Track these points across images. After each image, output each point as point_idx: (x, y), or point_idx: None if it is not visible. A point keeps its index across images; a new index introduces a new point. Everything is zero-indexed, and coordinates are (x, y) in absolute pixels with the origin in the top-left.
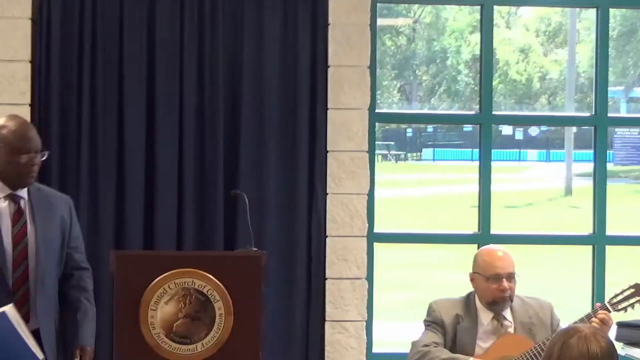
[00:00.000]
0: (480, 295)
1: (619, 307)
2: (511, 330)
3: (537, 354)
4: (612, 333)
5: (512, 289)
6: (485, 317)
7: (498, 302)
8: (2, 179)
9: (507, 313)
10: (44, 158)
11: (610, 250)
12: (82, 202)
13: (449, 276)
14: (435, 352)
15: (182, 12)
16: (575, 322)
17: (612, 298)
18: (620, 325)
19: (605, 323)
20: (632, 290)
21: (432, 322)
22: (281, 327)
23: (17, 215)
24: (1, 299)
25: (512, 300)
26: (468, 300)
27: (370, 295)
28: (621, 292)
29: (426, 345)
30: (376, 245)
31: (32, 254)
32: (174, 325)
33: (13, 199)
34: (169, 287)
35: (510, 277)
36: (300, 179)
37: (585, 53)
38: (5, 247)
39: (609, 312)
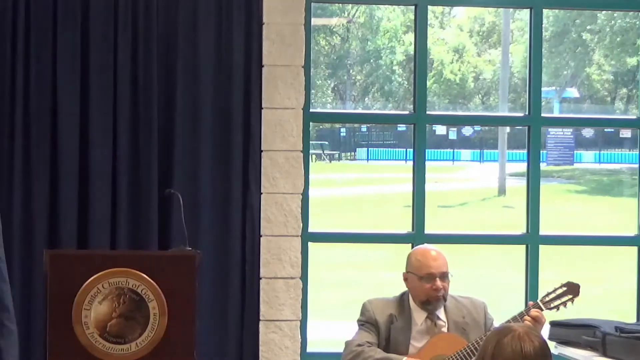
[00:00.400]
0: (413, 295)
1: (552, 305)
2: (445, 329)
3: (470, 353)
4: (545, 332)
5: (446, 289)
6: (418, 316)
7: (432, 301)
8: None
9: (441, 312)
10: None
11: (544, 250)
12: (16, 201)
13: (383, 276)
14: (369, 351)
15: (115, 11)
16: (508, 321)
17: (544, 296)
18: (553, 324)
19: (538, 321)
20: (564, 288)
21: (366, 321)
22: (215, 326)
23: None
24: None
25: (445, 300)
26: (402, 300)
27: (304, 294)
28: (554, 291)
29: (360, 345)
30: (310, 244)
31: None
32: (108, 325)
33: None
34: (102, 286)
35: (444, 276)
36: (235, 179)
37: (519, 53)
38: None
39: (542, 310)
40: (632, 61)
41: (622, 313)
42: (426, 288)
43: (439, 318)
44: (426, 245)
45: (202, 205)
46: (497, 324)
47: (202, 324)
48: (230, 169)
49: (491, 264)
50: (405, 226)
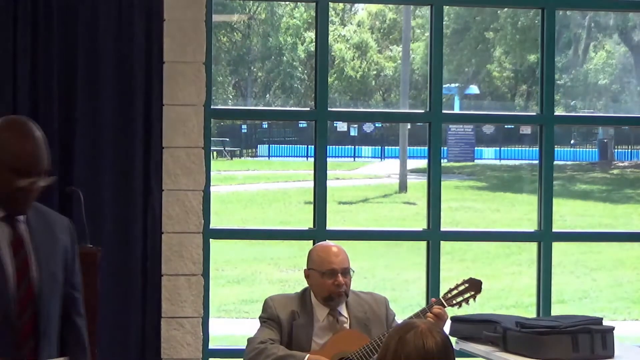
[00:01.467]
0: (315, 291)
1: (454, 302)
2: (347, 325)
3: (373, 350)
4: (447, 328)
5: (348, 284)
6: (320, 313)
7: (334, 297)
8: None
9: (343, 309)
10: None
11: (446, 246)
12: None
13: (285, 272)
14: (272, 348)
15: (15, 4)
16: (411, 318)
17: (446, 293)
18: (455, 319)
19: (440, 318)
20: (466, 285)
21: (268, 318)
22: (117, 323)
23: (17, 244)
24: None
25: (347, 296)
26: (304, 297)
27: (206, 291)
28: (455, 287)
29: (262, 342)
30: (212, 241)
31: (38, 295)
32: None
33: (10, 222)
34: None
35: (346, 272)
36: (136, 175)
37: (420, 50)
38: (8, 284)
39: (444, 307)
40: (532, 58)
41: (522, 308)
42: (328, 284)
43: (340, 314)
44: (327, 242)
45: (103, 202)
46: (399, 319)
47: (103, 321)
48: (131, 165)
49: (392, 261)
50: (306, 222)
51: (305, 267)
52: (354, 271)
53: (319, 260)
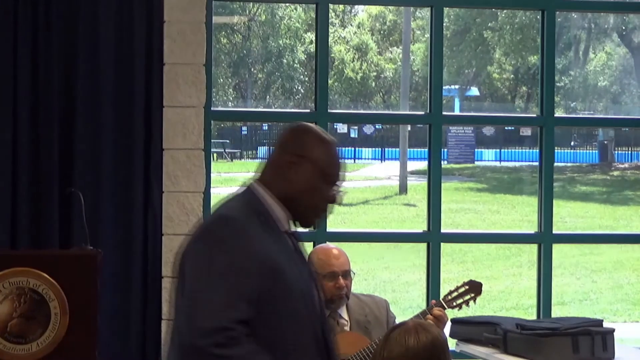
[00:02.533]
0: None
1: (454, 304)
2: (347, 328)
3: (372, 351)
4: (447, 330)
5: (348, 287)
6: None
7: (335, 300)
8: (293, 206)
9: (343, 311)
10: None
11: (446, 248)
12: None
13: None
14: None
15: (15, 9)
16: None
17: (446, 295)
18: (455, 321)
19: (440, 320)
20: (466, 287)
21: None
22: (117, 326)
23: (302, 259)
24: None
25: (348, 298)
26: None
27: None
28: (455, 289)
29: None
30: None
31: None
32: (9, 325)
33: (292, 236)
34: (3, 286)
35: (346, 274)
36: (136, 177)
37: (420, 52)
38: (317, 303)
39: (444, 309)
40: (532, 59)
41: (522, 310)
42: (329, 286)
43: (341, 317)
44: (327, 244)
45: (103, 204)
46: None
47: (103, 324)
48: (131, 167)
49: (392, 263)
50: None
51: None
52: (354, 273)
53: (320, 263)
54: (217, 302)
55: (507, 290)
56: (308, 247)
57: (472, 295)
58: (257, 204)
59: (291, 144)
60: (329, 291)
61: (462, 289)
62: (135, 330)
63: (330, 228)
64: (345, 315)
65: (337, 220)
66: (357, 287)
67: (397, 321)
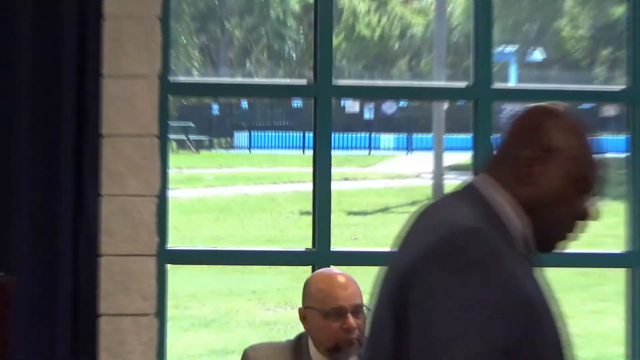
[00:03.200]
0: (316, 339)
1: None
2: None
3: None
4: None
5: (362, 328)
6: None
7: (342, 347)
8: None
9: None
10: None
11: None
12: None
13: (272, 311)
14: None
15: None
16: None
17: None
18: None
19: None
20: None
21: None
22: None
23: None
24: None
25: (361, 344)
26: (298, 347)
27: (161, 338)
28: None
29: None
30: (170, 267)
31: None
32: None
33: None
34: None
35: (358, 310)
36: (63, 176)
37: (461, 1)
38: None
39: None
40: (617, 11)
41: None
42: (334, 328)
43: None
44: (331, 269)
45: (17, 214)
46: None
47: None
48: (56, 162)
49: None
50: (303, 241)
51: (301, 305)
52: (369, 309)
53: (321, 296)
54: (472, 352)
55: (585, 333)
56: (305, 272)
57: None
58: (492, 210)
59: (533, 132)
60: (334, 335)
61: None
62: None
63: (335, 246)
64: None
65: (345, 234)
66: None
67: None
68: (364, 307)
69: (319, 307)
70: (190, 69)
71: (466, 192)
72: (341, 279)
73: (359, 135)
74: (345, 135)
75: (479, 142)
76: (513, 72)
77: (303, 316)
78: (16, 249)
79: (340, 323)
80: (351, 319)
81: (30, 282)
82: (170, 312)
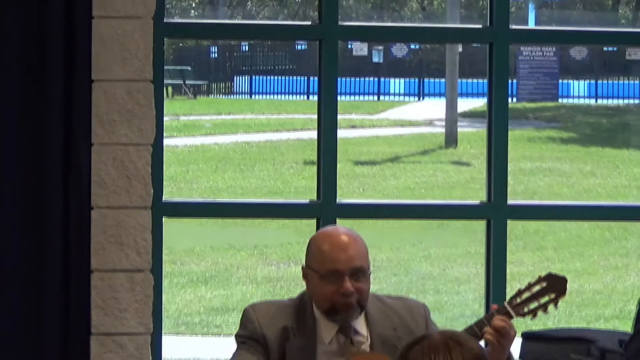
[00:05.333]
0: (315, 300)
1: (525, 309)
2: (366, 347)
3: None
4: (515, 348)
5: (362, 291)
6: (327, 330)
7: (339, 310)
8: None
9: (360, 324)
10: None
11: (515, 227)
12: None
13: (275, 267)
14: None
15: None
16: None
17: (514, 297)
18: (527, 337)
19: (504, 335)
20: (544, 284)
21: (249, 337)
22: (25, 342)
23: None
24: None
25: (362, 308)
26: (301, 306)
27: (157, 295)
28: (528, 288)
29: None
30: (166, 220)
31: None
32: None
33: None
34: None
35: (358, 273)
36: (52, 125)
37: None
38: None
39: (511, 317)
40: None
41: (629, 320)
42: (329, 291)
43: (356, 332)
44: (336, 228)
45: (2, 165)
46: None
47: (4, 339)
48: (44, 108)
49: (435, 249)
50: (307, 193)
51: (304, 263)
52: (371, 271)
53: (319, 257)
54: None
55: (606, 290)
56: (309, 226)
57: (552, 296)
58: None
59: None
60: (328, 297)
61: (538, 288)
62: (52, 350)
63: (342, 198)
64: (363, 329)
65: (352, 185)
66: (383, 286)
67: None
68: (367, 269)
69: (317, 268)
70: (187, 9)
71: None
72: (343, 239)
73: (366, 80)
74: (353, 80)
75: (494, 87)
76: (531, 13)
77: (305, 275)
78: (2, 202)
79: (336, 286)
80: (348, 283)
81: (15, 238)
82: (167, 268)
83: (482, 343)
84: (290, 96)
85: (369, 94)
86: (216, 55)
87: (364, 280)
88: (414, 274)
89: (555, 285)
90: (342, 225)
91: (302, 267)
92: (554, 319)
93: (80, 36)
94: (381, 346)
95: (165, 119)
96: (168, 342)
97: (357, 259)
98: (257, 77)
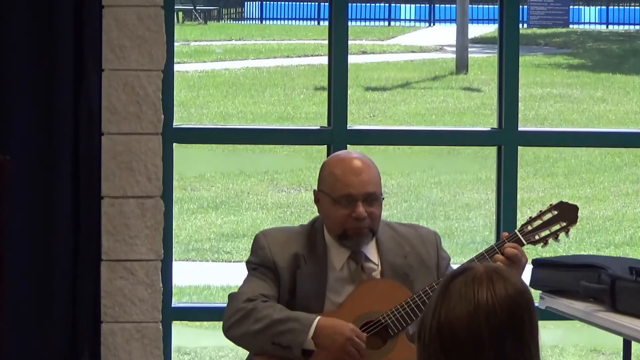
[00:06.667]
0: (327, 225)
1: (536, 237)
2: (377, 274)
3: (415, 309)
4: (526, 276)
5: (374, 217)
6: (338, 257)
7: (350, 235)
8: None
9: (371, 250)
10: None
11: (526, 153)
12: None
13: (286, 193)
14: (264, 309)
15: None
16: (472, 261)
17: (525, 225)
18: (538, 264)
19: (515, 261)
20: (555, 212)
21: (260, 264)
22: (35, 267)
23: None
24: None
25: (374, 234)
26: (313, 232)
27: (168, 221)
28: (539, 216)
29: (250, 300)
30: (177, 147)
31: None
32: None
33: None
34: None
35: (371, 199)
36: (62, 49)
37: None
38: None
39: (522, 244)
40: None
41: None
42: (342, 216)
43: (367, 259)
44: (349, 153)
45: (11, 89)
46: (455, 265)
47: (15, 265)
48: (54, 34)
49: (446, 176)
50: (318, 118)
51: (316, 188)
52: (384, 197)
53: (332, 180)
54: None
55: (617, 217)
56: (320, 152)
57: (564, 224)
58: None
59: None
60: (341, 222)
61: (549, 215)
62: (62, 275)
63: (352, 124)
64: (374, 256)
65: (363, 111)
66: (394, 212)
67: (453, 264)
68: (379, 195)
69: (329, 192)
70: None
71: None
72: (357, 163)
73: (377, 5)
74: (364, 5)
75: (505, 13)
76: None
77: (317, 199)
78: (13, 129)
79: (349, 211)
80: (361, 208)
81: (27, 163)
82: (177, 194)
83: None
84: (301, 22)
85: (379, 19)
86: None
87: (377, 206)
88: (425, 200)
89: (566, 214)
90: (355, 151)
91: (314, 191)
92: (564, 246)
93: None
94: (392, 273)
95: (175, 44)
96: (178, 268)
97: (370, 184)
98: (268, 2)
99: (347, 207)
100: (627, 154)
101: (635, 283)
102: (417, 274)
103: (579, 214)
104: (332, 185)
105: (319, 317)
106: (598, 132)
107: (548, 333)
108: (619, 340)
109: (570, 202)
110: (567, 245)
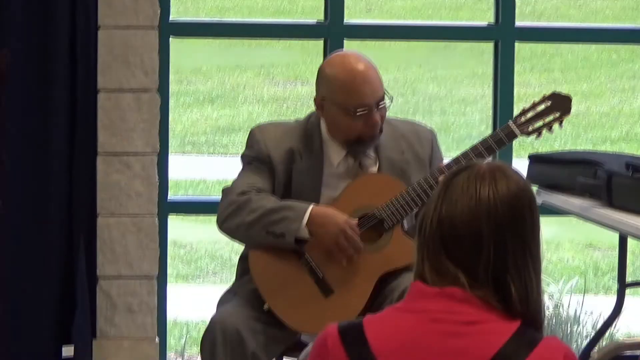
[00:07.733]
0: (334, 130)
1: (530, 128)
2: (374, 169)
3: (411, 202)
4: (523, 169)
5: (384, 117)
6: (335, 152)
7: (365, 141)
8: None
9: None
10: None
11: (522, 49)
12: None
13: (281, 87)
14: (258, 200)
15: None
16: (466, 154)
17: (519, 115)
18: (534, 159)
19: None
20: (548, 103)
21: (255, 158)
22: (32, 157)
23: None
24: None
25: (381, 132)
26: (309, 127)
27: (164, 114)
28: (532, 107)
29: (243, 193)
30: (173, 40)
31: None
32: None
33: None
34: None
35: (380, 102)
36: None
37: None
38: None
39: (515, 136)
40: None
41: (636, 142)
42: (357, 125)
43: (365, 154)
44: (345, 56)
45: None
46: (448, 160)
47: (10, 158)
48: None
49: (442, 71)
50: (314, 12)
51: (316, 93)
52: (391, 100)
53: (342, 90)
54: None
55: (613, 112)
56: (315, 46)
57: (557, 115)
58: None
59: None
60: (356, 131)
61: (543, 106)
62: (56, 169)
63: (349, 19)
64: (371, 151)
65: (359, 6)
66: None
67: (447, 160)
68: (386, 96)
69: (341, 102)
70: None
71: None
72: (363, 68)
73: None
74: None
75: None
76: None
77: (319, 105)
78: (9, 23)
79: (364, 120)
80: (376, 114)
81: (23, 55)
82: (173, 87)
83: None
84: None
85: None
86: None
87: (383, 108)
88: (421, 95)
89: (559, 104)
90: (350, 50)
91: (316, 99)
92: (560, 141)
93: None
94: (389, 169)
95: None
96: (174, 162)
97: (379, 87)
98: None
99: (362, 116)
100: (624, 50)
101: (631, 179)
102: (413, 170)
103: (572, 105)
104: (345, 97)
105: (311, 206)
106: (595, 28)
107: (544, 228)
108: (615, 237)
109: (563, 93)
110: (563, 141)
